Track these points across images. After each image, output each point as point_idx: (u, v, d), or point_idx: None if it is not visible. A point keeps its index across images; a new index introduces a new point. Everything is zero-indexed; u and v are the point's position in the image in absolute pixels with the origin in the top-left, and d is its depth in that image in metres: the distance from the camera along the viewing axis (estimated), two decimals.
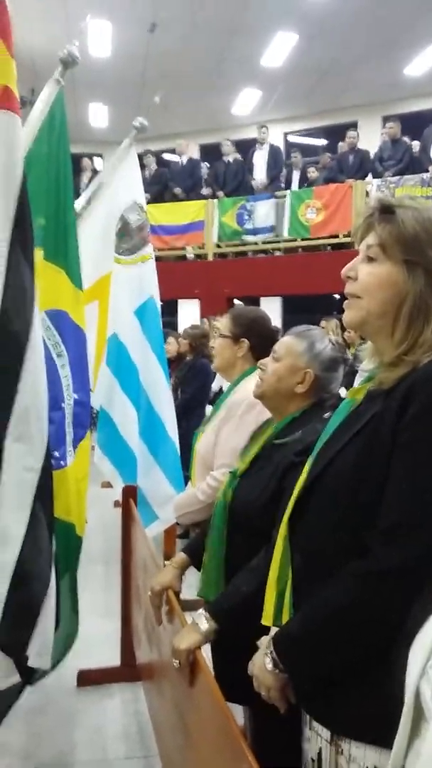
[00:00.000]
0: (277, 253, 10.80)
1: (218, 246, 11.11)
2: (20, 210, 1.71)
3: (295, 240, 10.46)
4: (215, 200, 10.97)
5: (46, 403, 1.78)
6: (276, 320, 8.95)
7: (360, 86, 12.06)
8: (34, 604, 1.75)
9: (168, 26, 10.05)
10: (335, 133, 12.32)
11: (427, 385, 1.14)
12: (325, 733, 1.24)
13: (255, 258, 10.94)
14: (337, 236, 9.92)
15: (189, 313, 11.61)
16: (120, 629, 3.26)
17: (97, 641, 3.37)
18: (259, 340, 2.30)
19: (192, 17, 9.97)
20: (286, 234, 10.47)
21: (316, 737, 1.27)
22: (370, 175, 10.22)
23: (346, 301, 1.30)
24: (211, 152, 12.91)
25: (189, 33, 10.44)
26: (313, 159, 11.97)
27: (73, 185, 2.51)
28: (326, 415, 1.52)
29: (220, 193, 11.04)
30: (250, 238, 10.71)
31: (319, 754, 1.26)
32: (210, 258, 11.13)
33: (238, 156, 11.24)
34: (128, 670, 3.11)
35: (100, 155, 14.53)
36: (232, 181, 11.10)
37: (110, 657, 3.23)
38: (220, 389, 5.40)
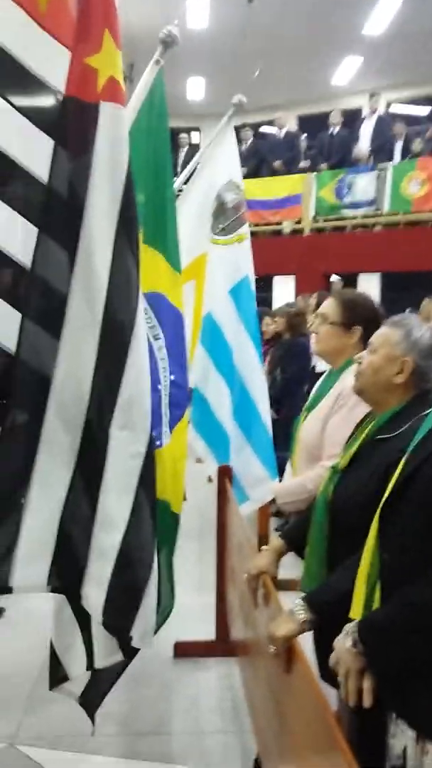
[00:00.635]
0: (377, 228, 10.48)
1: (315, 221, 10.91)
2: (126, 202, 1.73)
3: (397, 214, 10.11)
4: (313, 174, 10.73)
5: (149, 391, 1.81)
6: (375, 298, 8.72)
7: None
8: (138, 587, 1.79)
9: None
10: None
11: None
12: (411, 732, 1.24)
13: (353, 233, 10.66)
14: None
15: (284, 289, 11.50)
16: (214, 603, 3.31)
17: (193, 614, 3.44)
18: (371, 328, 2.21)
19: None
20: (386, 208, 10.13)
21: (401, 734, 1.28)
22: None
23: None
24: (310, 123, 12.62)
25: (289, 3, 10.19)
26: (414, 128, 11.49)
27: (172, 162, 2.51)
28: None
29: (323, 166, 10.77)
30: (348, 212, 10.44)
31: (405, 751, 1.27)
32: (307, 233, 10.95)
33: (342, 127, 10.91)
34: (223, 645, 3.17)
35: (197, 129, 14.52)
36: (337, 153, 10.79)
37: (205, 630, 3.29)
38: (313, 368, 5.32)
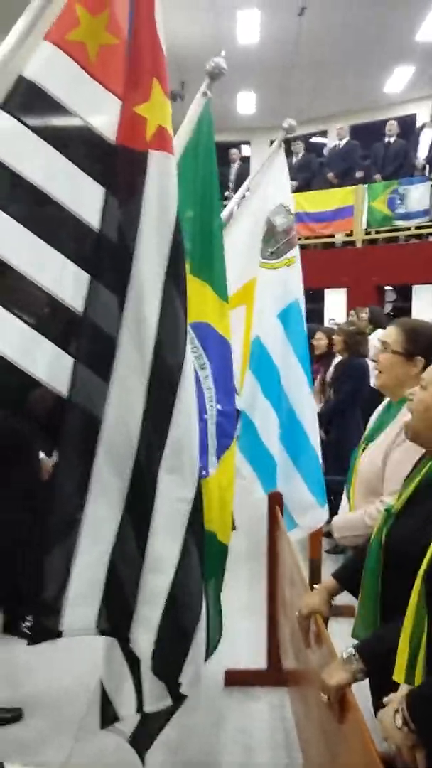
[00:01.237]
0: None
1: (367, 233, 10.79)
2: (175, 246, 1.74)
3: None
4: (365, 185, 10.62)
5: (197, 434, 1.81)
6: (429, 311, 8.56)
7: None
8: (187, 633, 1.79)
9: (318, 8, 9.83)
10: None
11: None
12: None
13: (407, 244, 10.51)
14: None
15: (335, 301, 11.40)
16: (265, 629, 3.28)
17: (243, 639, 3.43)
18: None
19: None
20: None
21: None
22: None
23: None
24: (362, 133, 12.52)
25: (340, 13, 10.15)
26: None
27: (221, 177, 2.51)
28: None
29: (377, 177, 10.65)
30: (401, 223, 10.30)
31: None
32: (359, 245, 10.84)
33: (398, 137, 10.76)
34: (275, 675, 3.14)
35: (247, 142, 14.57)
36: (392, 163, 10.65)
37: (255, 657, 3.27)
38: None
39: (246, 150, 14.03)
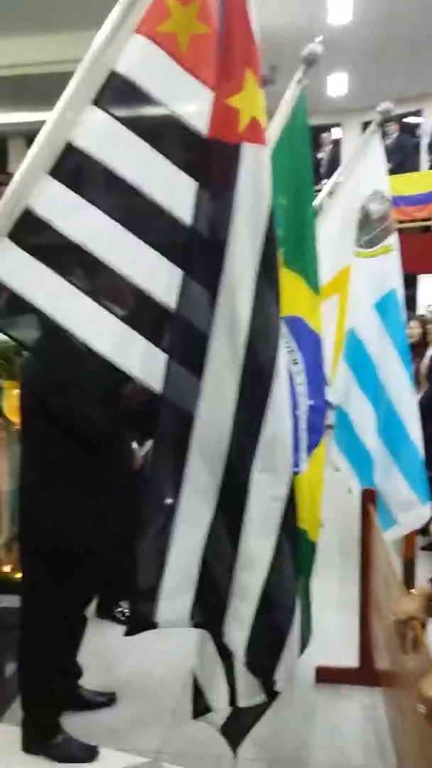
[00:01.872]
0: None
1: None
2: (268, 240, 1.71)
3: None
4: None
5: (291, 432, 1.78)
6: None
7: None
8: (281, 631, 1.78)
9: None
10: None
11: None
12: None
13: None
14: None
15: (431, 288, 11.01)
16: (357, 626, 3.21)
17: (334, 636, 3.37)
18: None
19: None
20: None
21: None
22: None
23: None
24: None
25: None
26: None
27: (312, 161, 2.45)
28: None
29: None
30: None
31: None
32: None
33: None
34: (367, 674, 3.06)
35: (338, 125, 14.24)
36: None
37: (347, 654, 3.20)
38: None
39: (336, 132, 13.72)
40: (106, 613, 3.58)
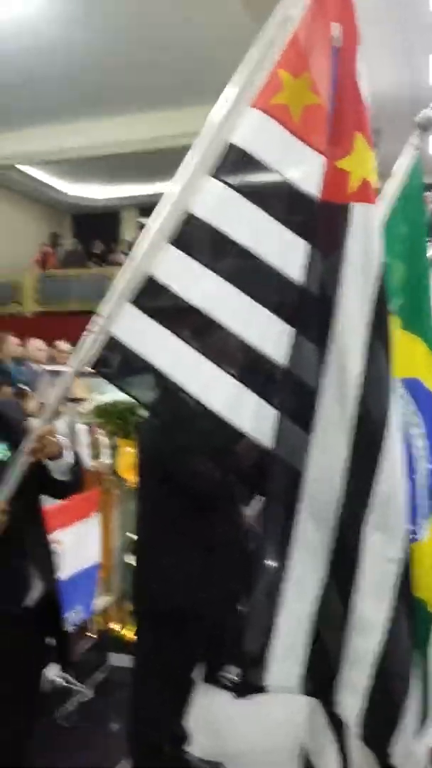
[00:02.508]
0: None
1: None
2: (380, 298, 1.71)
3: None
4: None
5: (405, 493, 1.72)
6: None
7: None
8: (397, 701, 1.68)
9: None
10: None
11: None
12: None
13: None
14: None
15: None
16: None
17: None
18: None
19: None
20: None
21: None
22: None
23: None
24: None
25: None
26: None
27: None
28: None
29: None
30: None
31: None
32: None
33: None
34: None
35: None
36: None
37: None
38: None
39: None
40: (213, 677, 3.52)
